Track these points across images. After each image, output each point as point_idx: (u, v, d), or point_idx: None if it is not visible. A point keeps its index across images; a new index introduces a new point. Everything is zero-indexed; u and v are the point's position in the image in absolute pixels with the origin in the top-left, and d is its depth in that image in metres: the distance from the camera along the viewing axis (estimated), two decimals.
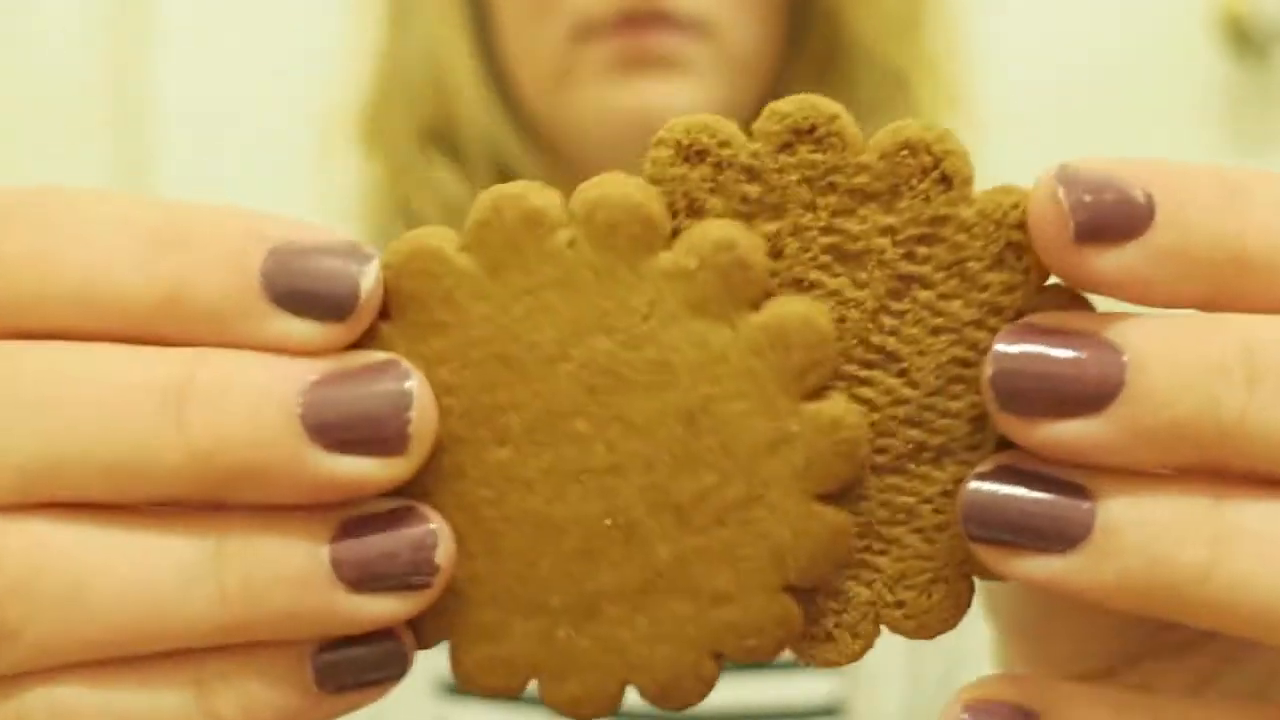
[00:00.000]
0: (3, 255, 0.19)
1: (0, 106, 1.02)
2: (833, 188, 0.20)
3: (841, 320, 0.20)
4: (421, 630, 0.21)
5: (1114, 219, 0.18)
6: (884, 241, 0.20)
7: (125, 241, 0.19)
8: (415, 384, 0.19)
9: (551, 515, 0.21)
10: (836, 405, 0.20)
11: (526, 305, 0.20)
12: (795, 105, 0.20)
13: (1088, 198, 0.18)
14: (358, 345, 0.20)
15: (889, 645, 0.55)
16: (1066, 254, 0.18)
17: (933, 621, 0.21)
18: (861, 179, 0.20)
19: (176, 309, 0.19)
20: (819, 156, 0.20)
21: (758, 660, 0.21)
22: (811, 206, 0.20)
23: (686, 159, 0.20)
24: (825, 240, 0.20)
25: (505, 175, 0.59)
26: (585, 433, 0.20)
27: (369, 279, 0.19)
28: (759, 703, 0.53)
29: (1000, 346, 0.19)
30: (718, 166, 0.20)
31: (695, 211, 0.20)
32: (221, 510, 0.19)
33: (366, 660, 0.20)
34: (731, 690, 0.53)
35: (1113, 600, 0.18)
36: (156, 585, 0.19)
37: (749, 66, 0.54)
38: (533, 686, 0.22)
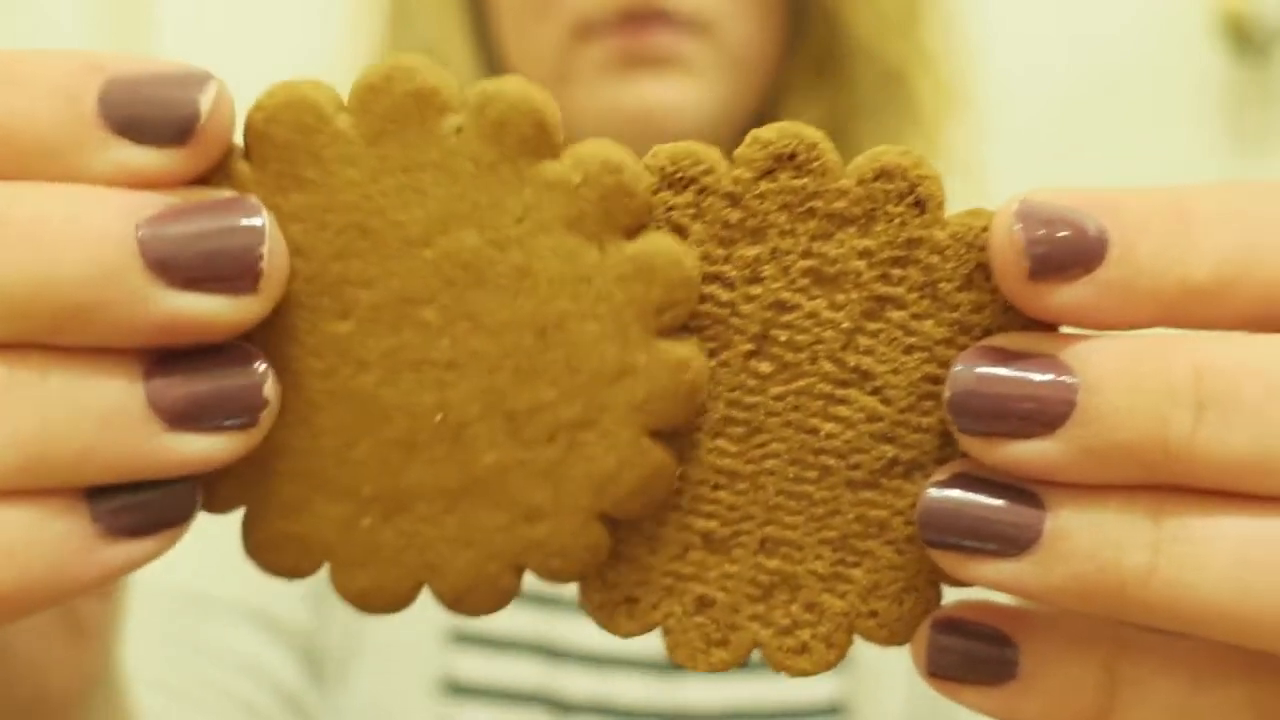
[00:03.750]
0: None
1: None
2: (812, 213, 0.21)
3: (818, 341, 0.21)
4: (216, 493, 0.20)
5: (1067, 257, 0.19)
6: (860, 264, 0.21)
7: None
8: (268, 221, 0.19)
9: (380, 399, 0.20)
10: (686, 347, 0.20)
11: (399, 182, 0.20)
12: (777, 133, 0.21)
13: (1042, 233, 0.19)
14: (214, 184, 0.19)
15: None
16: (1023, 288, 0.19)
17: (903, 629, 0.22)
18: (840, 204, 0.21)
19: (8, 143, 0.18)
20: (799, 183, 0.21)
21: (556, 581, 0.21)
22: (791, 231, 0.21)
23: (670, 185, 0.21)
24: (804, 264, 0.21)
25: None
26: (433, 323, 0.20)
27: (209, 98, 0.18)
28: (760, 702, 0.53)
29: (958, 369, 0.19)
30: (701, 193, 0.21)
31: (678, 233, 0.21)
32: (15, 348, 0.18)
33: (149, 502, 0.19)
34: (732, 690, 0.53)
35: (1062, 601, 0.19)
36: None
37: (748, 65, 0.54)
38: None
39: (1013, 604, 0.21)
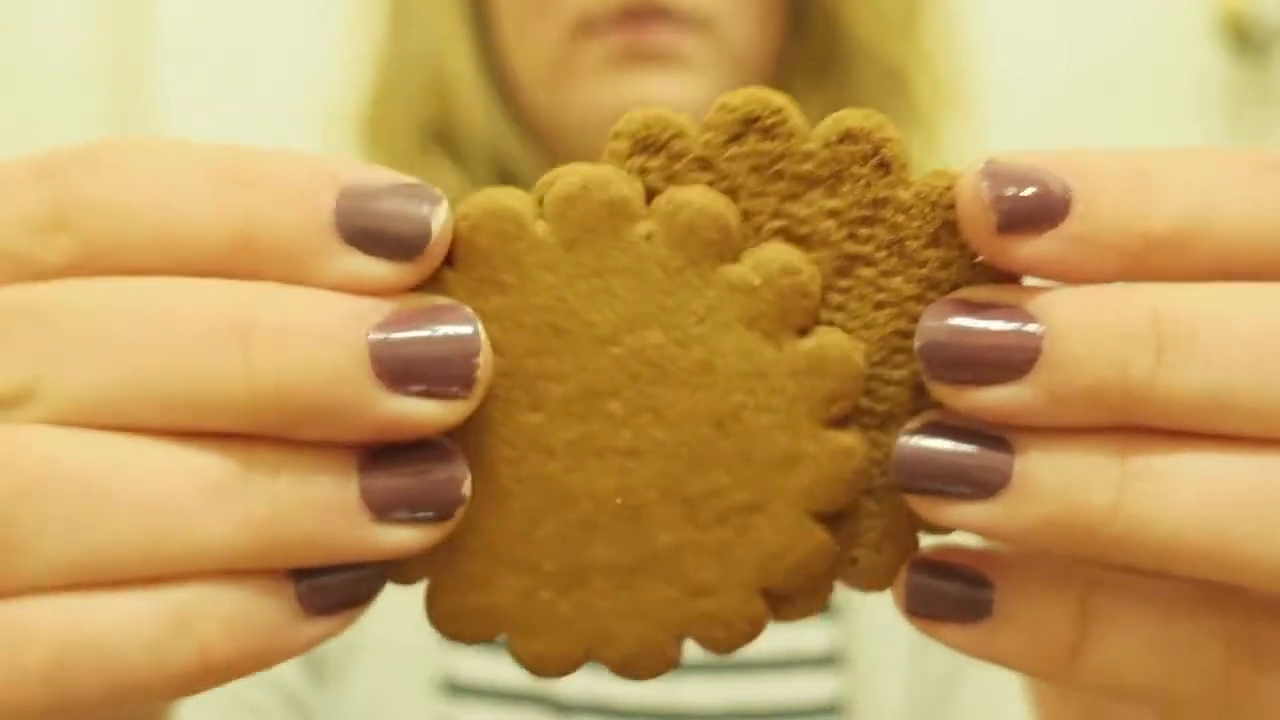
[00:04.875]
0: (86, 200, 0.19)
1: (0, 105, 1.02)
2: (780, 175, 0.21)
3: None
4: (406, 567, 0.22)
5: (1033, 212, 0.19)
6: (829, 224, 0.21)
7: (198, 182, 0.19)
8: (479, 329, 0.20)
9: (566, 484, 0.21)
10: (850, 436, 0.22)
11: (591, 285, 0.21)
12: (744, 98, 0.21)
13: (1009, 191, 0.19)
14: (422, 288, 0.20)
15: (891, 644, 0.56)
16: (991, 242, 0.20)
17: (882, 576, 0.22)
18: (807, 166, 0.21)
19: (249, 247, 0.19)
20: (767, 146, 0.21)
21: (717, 651, 0.22)
22: (761, 193, 0.21)
23: (643, 150, 0.21)
24: (774, 224, 0.22)
25: (505, 172, 0.59)
26: (617, 414, 0.21)
27: (439, 220, 0.20)
28: (758, 702, 0.53)
29: (928, 320, 0.20)
30: (672, 157, 0.21)
31: (649, 198, 0.21)
32: (249, 439, 0.19)
33: (347, 584, 0.20)
34: (731, 690, 0.53)
35: (1034, 540, 0.20)
36: (180, 502, 0.19)
37: (748, 62, 0.54)
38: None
39: (989, 548, 0.22)
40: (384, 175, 0.20)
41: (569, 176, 0.21)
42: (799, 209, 0.21)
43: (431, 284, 0.21)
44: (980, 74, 0.63)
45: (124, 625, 0.19)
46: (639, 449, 0.21)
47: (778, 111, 0.21)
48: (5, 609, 0.19)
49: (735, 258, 0.21)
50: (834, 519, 0.22)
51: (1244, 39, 1.12)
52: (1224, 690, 0.20)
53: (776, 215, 0.21)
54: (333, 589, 0.20)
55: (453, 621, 0.22)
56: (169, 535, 0.19)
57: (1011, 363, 0.19)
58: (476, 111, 0.59)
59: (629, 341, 0.21)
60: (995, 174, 0.20)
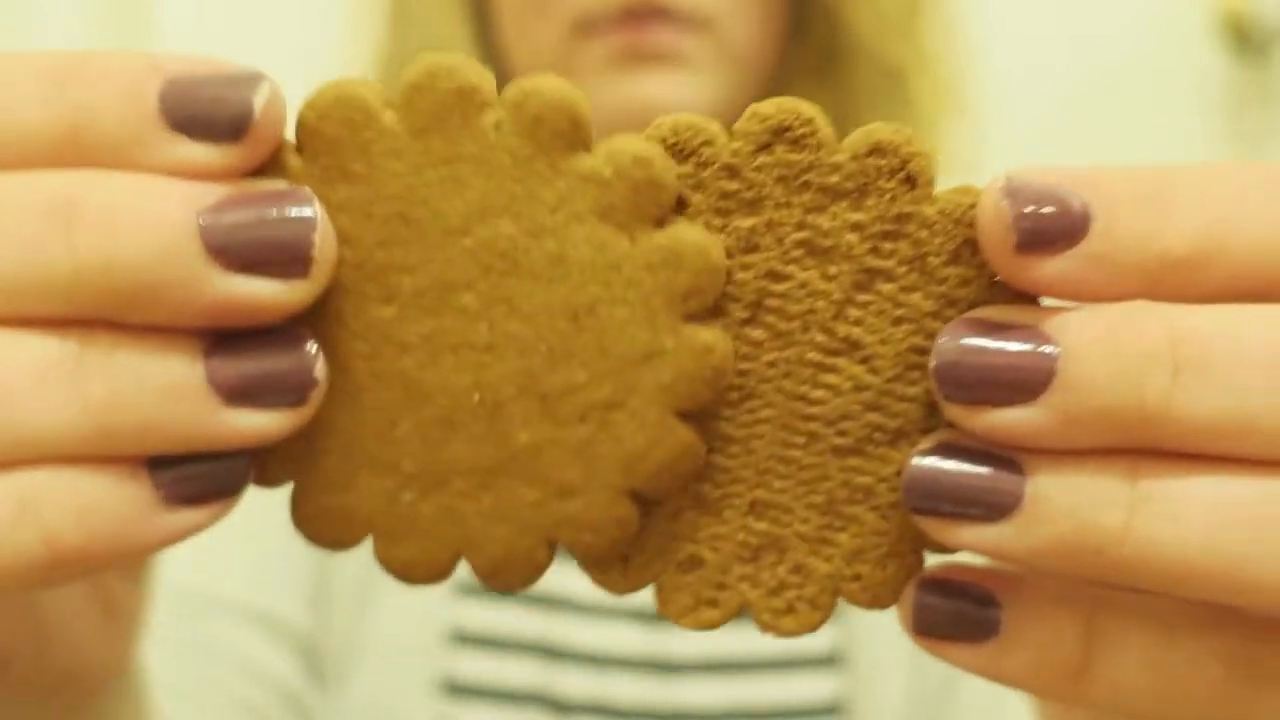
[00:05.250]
0: None
1: None
2: (806, 186, 0.21)
3: (810, 311, 0.22)
4: (267, 468, 0.22)
5: (1052, 231, 0.19)
6: (852, 237, 0.21)
7: (26, 80, 0.19)
8: (319, 210, 0.20)
9: (421, 380, 0.21)
10: (711, 333, 0.21)
11: (440, 174, 0.21)
12: (775, 107, 0.21)
13: (1029, 209, 0.19)
14: (266, 177, 0.20)
15: (891, 644, 0.56)
16: (1010, 261, 0.20)
17: (886, 593, 0.22)
18: (834, 178, 0.21)
19: (76, 140, 0.19)
20: (795, 156, 0.21)
21: (587, 555, 0.22)
22: (786, 204, 0.21)
23: (672, 156, 0.21)
24: (798, 235, 0.22)
25: None
26: (471, 308, 0.21)
27: (262, 97, 0.20)
28: (759, 703, 0.53)
29: (943, 340, 0.20)
30: (700, 164, 0.21)
31: (678, 206, 0.22)
32: (86, 325, 0.19)
33: (207, 473, 0.20)
34: (731, 690, 0.53)
35: (1044, 562, 0.20)
36: (11, 385, 0.19)
37: (748, 62, 0.54)
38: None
39: (994, 567, 0.22)
40: (211, 63, 0.20)
41: (418, 65, 0.21)
42: (823, 221, 0.21)
43: (277, 172, 0.21)
44: (980, 74, 0.63)
45: None
46: (494, 343, 0.21)
47: (808, 123, 0.21)
48: None
49: (587, 148, 0.21)
50: (699, 418, 0.22)
51: (1244, 39, 1.12)
52: (1224, 710, 0.20)
53: (801, 226, 0.21)
54: (192, 478, 0.20)
55: (315, 523, 0.22)
56: (3, 419, 0.19)
57: (1026, 384, 0.19)
58: None
59: (480, 232, 0.21)
60: (1015, 192, 0.20)
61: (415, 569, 0.22)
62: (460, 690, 0.53)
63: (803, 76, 0.58)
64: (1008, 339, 0.20)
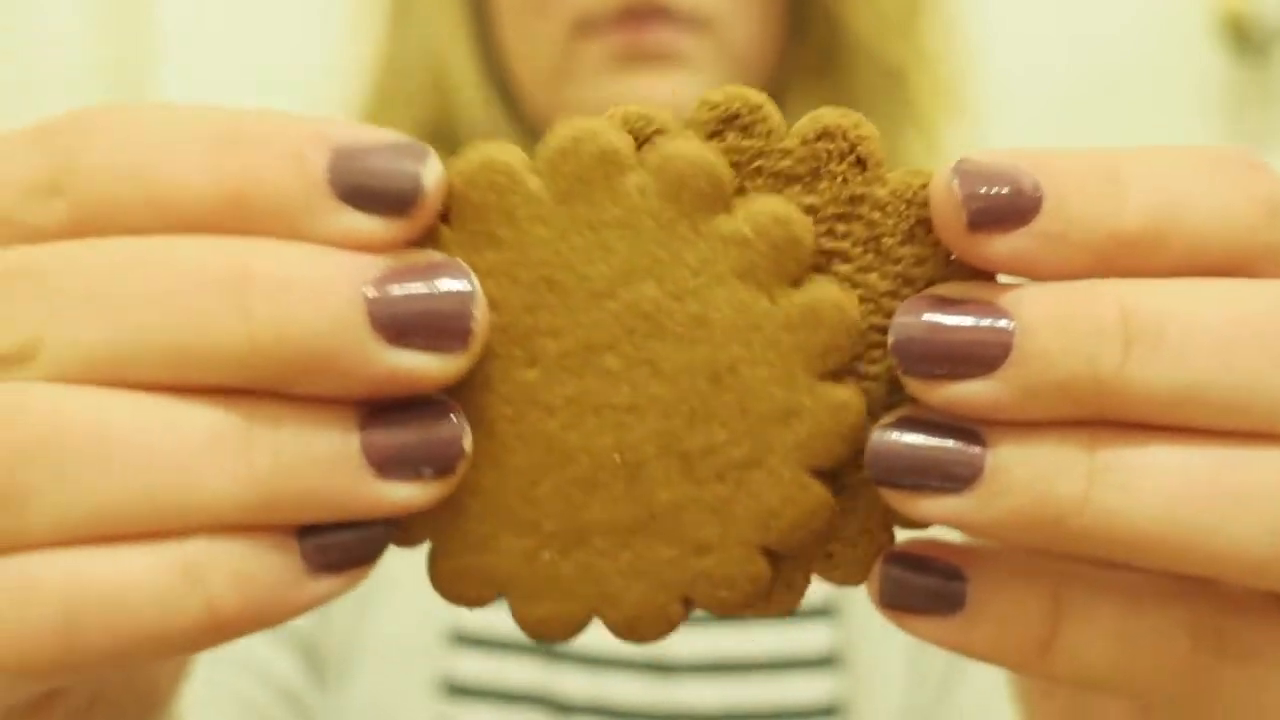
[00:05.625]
0: (81, 164, 0.20)
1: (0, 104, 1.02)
2: (759, 171, 0.22)
3: None
4: (408, 529, 0.22)
5: (1003, 210, 0.20)
6: (806, 221, 0.22)
7: (191, 144, 0.20)
8: (476, 284, 0.20)
9: (565, 441, 0.21)
10: (846, 390, 0.22)
11: (586, 239, 0.21)
12: (724, 95, 0.22)
13: (980, 189, 0.20)
14: (417, 244, 0.21)
15: (890, 645, 0.55)
16: (963, 239, 0.20)
17: (857, 570, 0.23)
18: (785, 163, 0.22)
19: (242, 206, 0.19)
20: (746, 143, 0.22)
21: (722, 612, 0.22)
22: (740, 189, 0.22)
23: None
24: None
25: None
26: (614, 369, 0.21)
27: (431, 175, 0.20)
28: (757, 703, 0.53)
29: (901, 316, 0.20)
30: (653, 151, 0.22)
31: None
32: (251, 395, 0.20)
33: (351, 542, 0.20)
34: (730, 690, 0.53)
35: (1005, 533, 0.20)
36: (182, 454, 0.19)
37: (748, 62, 0.54)
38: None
39: (963, 542, 0.22)
40: (375, 132, 0.20)
41: (561, 130, 0.21)
42: None
43: (427, 240, 0.21)
44: (980, 74, 0.63)
45: (131, 577, 0.19)
46: (636, 404, 0.21)
47: (757, 109, 0.22)
48: (13, 564, 0.19)
49: (727, 209, 0.21)
50: (832, 476, 0.22)
51: (1244, 39, 1.12)
52: (1191, 681, 0.21)
53: None
54: (337, 546, 0.20)
55: (454, 583, 0.22)
56: (172, 488, 0.19)
57: (983, 357, 0.19)
58: (477, 111, 0.59)
59: (624, 295, 0.21)
60: (966, 173, 0.20)
61: (551, 626, 0.22)
62: (460, 690, 0.53)
63: (802, 76, 0.58)
64: (964, 313, 0.20)
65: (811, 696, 0.53)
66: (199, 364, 0.19)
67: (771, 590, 0.23)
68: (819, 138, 0.21)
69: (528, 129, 0.59)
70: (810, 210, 0.22)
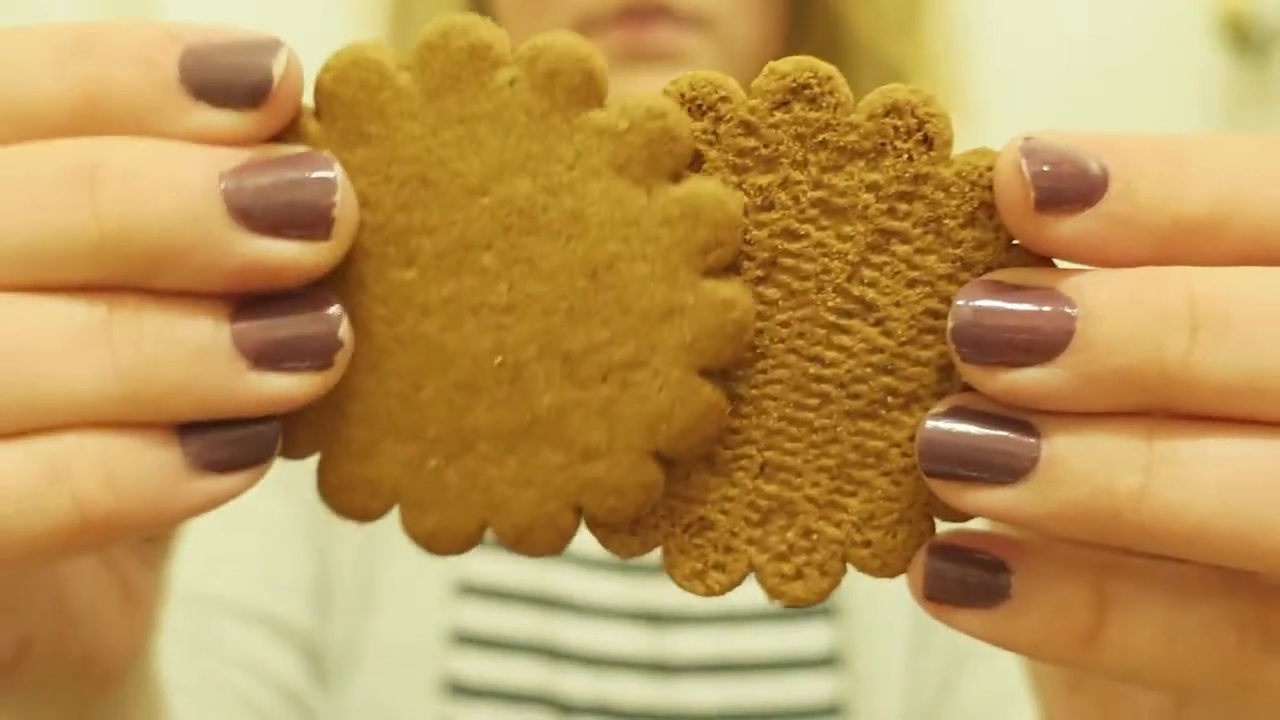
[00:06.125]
0: None
1: None
2: (823, 145, 0.21)
3: (825, 271, 0.22)
4: (293, 439, 0.21)
5: (1070, 190, 0.19)
6: (869, 197, 0.21)
7: (41, 51, 0.20)
8: (339, 173, 0.20)
9: (444, 343, 0.21)
10: (732, 287, 0.21)
11: (457, 134, 0.21)
12: (793, 65, 0.21)
13: (1048, 169, 0.19)
14: (285, 142, 0.21)
15: (890, 645, 0.55)
16: (1028, 220, 0.20)
17: (896, 561, 0.22)
18: (851, 137, 0.21)
19: (95, 109, 0.19)
20: (812, 114, 0.21)
21: (612, 521, 0.22)
22: (803, 162, 0.21)
23: (689, 112, 0.21)
24: (814, 194, 0.21)
25: None
26: (491, 268, 0.21)
27: (280, 64, 0.20)
28: (759, 703, 0.53)
29: (961, 301, 0.20)
30: (717, 119, 0.21)
31: (694, 162, 0.21)
32: (114, 291, 0.19)
33: (236, 439, 0.20)
34: (732, 690, 0.53)
35: (1059, 526, 0.19)
36: (42, 350, 0.19)
37: (749, 61, 0.54)
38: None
39: (1007, 533, 0.22)
40: (227, 30, 0.20)
41: (432, 25, 0.21)
42: (839, 180, 0.21)
43: (295, 137, 0.21)
44: (980, 73, 0.63)
45: None
46: (515, 304, 0.21)
47: (826, 81, 0.21)
48: None
49: (601, 103, 0.21)
50: (721, 376, 0.21)
51: (1244, 39, 1.12)
52: (1237, 675, 0.20)
53: (817, 185, 0.21)
54: (221, 442, 0.20)
55: (342, 493, 0.22)
56: (33, 384, 0.19)
57: (1045, 344, 0.19)
58: None
59: (498, 191, 0.21)
60: (1033, 151, 0.20)
61: (441, 538, 0.22)
62: (462, 691, 0.53)
63: None
64: (1026, 300, 0.19)
65: (812, 696, 0.53)
66: (52, 260, 0.19)
67: (802, 571, 0.22)
68: (887, 113, 0.21)
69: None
70: (873, 187, 0.21)
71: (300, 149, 0.20)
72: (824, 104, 0.21)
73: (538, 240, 0.21)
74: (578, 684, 0.53)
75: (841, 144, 0.21)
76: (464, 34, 0.20)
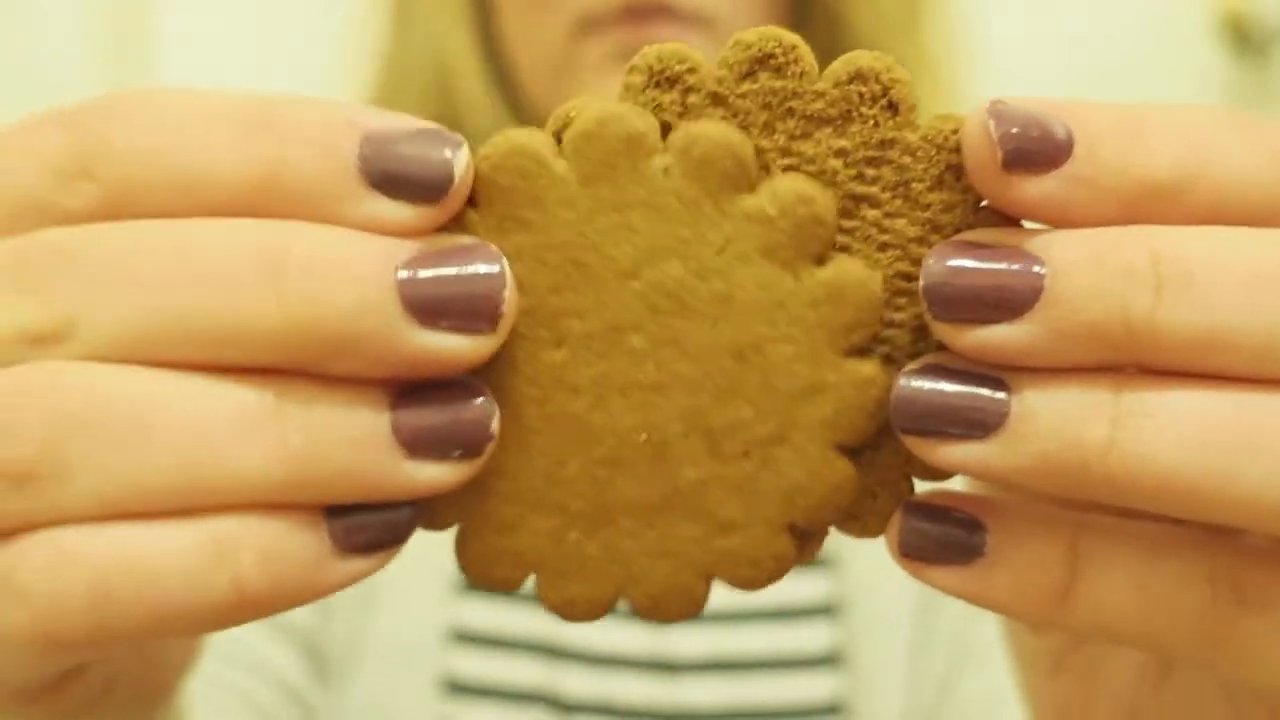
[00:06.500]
0: (110, 147, 0.20)
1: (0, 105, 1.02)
2: (790, 113, 0.22)
3: None
4: (435, 512, 0.22)
5: (1036, 151, 0.20)
6: (837, 163, 0.22)
7: (222, 127, 0.20)
8: (505, 267, 0.20)
9: (590, 422, 0.22)
10: (871, 365, 0.22)
11: (611, 220, 0.21)
12: (758, 35, 0.22)
13: (1015, 130, 0.20)
14: (445, 228, 0.21)
15: (891, 644, 0.55)
16: (995, 180, 0.20)
17: (875, 522, 0.23)
18: (817, 105, 0.22)
19: (273, 191, 0.20)
20: (779, 84, 0.22)
21: (745, 589, 0.22)
22: (771, 130, 0.22)
23: (658, 84, 0.22)
24: (783, 162, 0.22)
25: None
26: (640, 349, 0.21)
27: (461, 162, 0.20)
28: (760, 702, 0.53)
29: (932, 261, 0.20)
30: (686, 91, 0.22)
31: (664, 133, 0.22)
32: (284, 374, 0.20)
33: (380, 523, 0.21)
34: (732, 689, 0.53)
35: (1030, 479, 0.20)
36: (215, 432, 0.19)
37: None
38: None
39: (983, 493, 0.22)
40: (406, 119, 0.20)
41: (586, 113, 0.21)
42: (807, 148, 0.22)
43: (455, 224, 0.21)
44: (981, 73, 0.63)
45: (163, 553, 0.19)
46: (662, 383, 0.21)
47: (791, 50, 0.21)
48: (48, 537, 0.19)
49: (751, 189, 0.21)
50: (857, 453, 0.22)
51: (1244, 39, 1.12)
52: (1210, 631, 0.20)
53: (785, 153, 0.22)
54: (366, 527, 0.20)
55: (482, 565, 0.22)
56: (205, 465, 0.19)
57: (1014, 301, 0.20)
58: (480, 109, 0.59)
59: (649, 275, 0.21)
60: (1001, 114, 0.20)
61: (578, 607, 0.22)
62: (462, 689, 0.53)
63: None
64: (995, 258, 0.20)
65: (813, 695, 0.53)
66: (233, 343, 0.19)
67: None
68: (851, 80, 0.21)
69: (531, 126, 0.59)
70: (840, 153, 0.22)
71: (468, 240, 0.20)
72: (789, 73, 0.21)
73: (686, 322, 0.21)
74: (578, 683, 0.53)
75: (808, 112, 0.21)
76: (620, 123, 0.21)
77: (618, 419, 0.21)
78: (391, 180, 0.20)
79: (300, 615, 0.53)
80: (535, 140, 0.21)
